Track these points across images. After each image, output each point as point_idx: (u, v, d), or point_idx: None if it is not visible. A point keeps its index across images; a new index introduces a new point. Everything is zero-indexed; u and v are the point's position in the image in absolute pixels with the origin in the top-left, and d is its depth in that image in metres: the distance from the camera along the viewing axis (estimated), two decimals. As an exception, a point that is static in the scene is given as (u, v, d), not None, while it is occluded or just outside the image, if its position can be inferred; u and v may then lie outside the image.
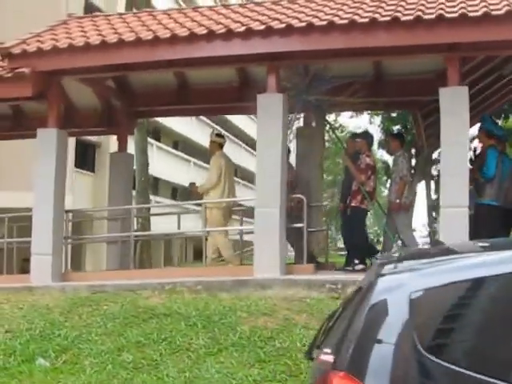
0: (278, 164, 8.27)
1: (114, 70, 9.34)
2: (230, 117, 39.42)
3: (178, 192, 32.05)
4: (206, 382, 5.78)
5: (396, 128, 19.91)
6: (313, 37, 7.88)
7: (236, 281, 7.51)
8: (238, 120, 37.18)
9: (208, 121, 33.70)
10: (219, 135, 10.88)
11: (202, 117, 31.40)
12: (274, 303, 7.08)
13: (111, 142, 24.29)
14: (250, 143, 46.26)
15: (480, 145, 9.40)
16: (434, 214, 22.01)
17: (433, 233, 19.33)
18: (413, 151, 20.03)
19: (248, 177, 40.51)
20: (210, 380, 5.78)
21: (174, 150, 31.02)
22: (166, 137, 30.23)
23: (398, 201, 9.59)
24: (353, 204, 9.55)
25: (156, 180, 30.04)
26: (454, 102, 7.77)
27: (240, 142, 38.49)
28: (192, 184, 10.56)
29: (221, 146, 10.33)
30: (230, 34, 8.21)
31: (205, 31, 8.30)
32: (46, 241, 8.95)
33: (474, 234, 7.60)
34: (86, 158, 23.27)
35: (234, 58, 8.54)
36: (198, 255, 13.53)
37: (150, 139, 27.27)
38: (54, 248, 9.01)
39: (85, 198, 22.19)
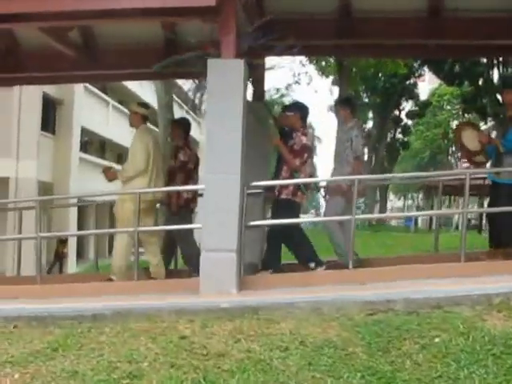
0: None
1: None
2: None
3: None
4: None
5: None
6: None
7: None
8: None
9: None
10: (142, 104, 8.27)
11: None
12: None
13: (76, 99, 20.44)
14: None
15: None
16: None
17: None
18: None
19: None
20: None
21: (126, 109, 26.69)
22: (113, 92, 25.99)
23: (348, 183, 7.37)
24: (283, 196, 7.30)
25: (102, 142, 26.29)
26: None
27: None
28: (107, 168, 7.94)
29: (145, 118, 7.88)
30: None
31: None
32: (229, 230, 5.95)
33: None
34: (47, 118, 19.21)
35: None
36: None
37: (106, 96, 23.61)
38: (239, 241, 6.02)
39: (46, 164, 18.36)
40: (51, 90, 18.81)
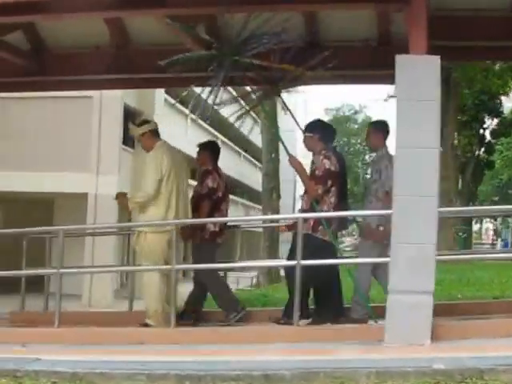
0: None
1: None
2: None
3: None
4: None
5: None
6: None
7: None
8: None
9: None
10: (142, 122, 6.98)
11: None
12: None
13: (157, 107, 19.33)
14: (252, 151, 34.67)
15: None
16: None
17: None
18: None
19: (251, 195, 33.33)
20: None
21: (218, 133, 25.20)
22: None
23: (381, 228, 6.00)
24: (303, 231, 5.85)
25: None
26: None
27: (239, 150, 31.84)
28: (121, 194, 6.82)
29: (155, 133, 6.68)
30: None
31: None
32: (425, 266, 4.80)
33: None
34: (126, 131, 18.24)
35: None
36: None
37: (184, 109, 22.46)
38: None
39: (126, 181, 17.39)
40: (132, 100, 17.87)
